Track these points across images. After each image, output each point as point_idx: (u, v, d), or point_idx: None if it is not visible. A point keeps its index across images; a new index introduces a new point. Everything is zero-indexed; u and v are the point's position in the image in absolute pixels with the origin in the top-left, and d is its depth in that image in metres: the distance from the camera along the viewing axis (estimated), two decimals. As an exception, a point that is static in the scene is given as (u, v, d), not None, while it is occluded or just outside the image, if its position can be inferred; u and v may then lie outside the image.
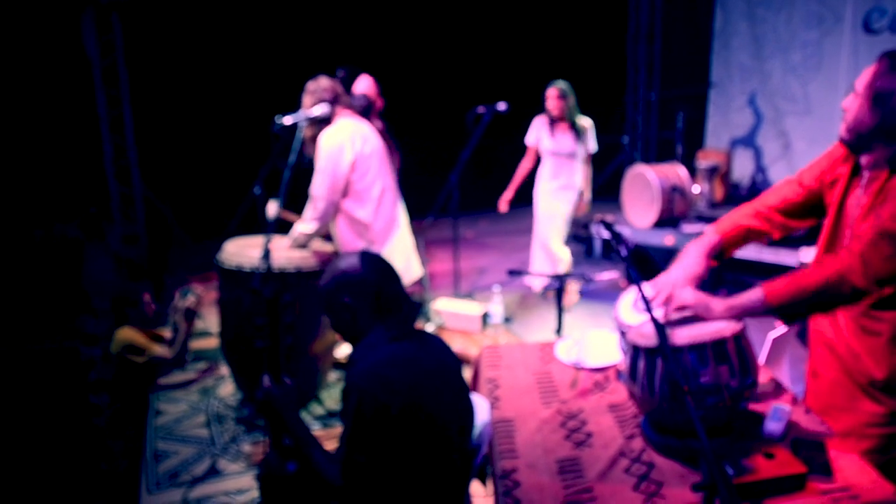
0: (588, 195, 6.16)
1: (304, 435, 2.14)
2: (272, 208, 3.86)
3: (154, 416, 4.26)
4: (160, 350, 3.47)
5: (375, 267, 2.17)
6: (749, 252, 5.97)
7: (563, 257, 6.00)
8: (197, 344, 5.32)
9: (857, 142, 2.11)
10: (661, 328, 1.76)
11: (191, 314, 3.53)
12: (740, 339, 2.01)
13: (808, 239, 5.74)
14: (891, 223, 1.97)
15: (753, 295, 2.07)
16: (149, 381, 3.54)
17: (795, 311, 2.06)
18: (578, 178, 5.98)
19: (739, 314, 2.07)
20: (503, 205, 6.19)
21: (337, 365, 4.65)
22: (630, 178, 7.12)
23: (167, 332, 3.73)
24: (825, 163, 2.31)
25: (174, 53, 7.85)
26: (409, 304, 2.23)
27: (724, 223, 2.44)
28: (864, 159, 2.14)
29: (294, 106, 4.09)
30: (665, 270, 2.30)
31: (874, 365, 2.15)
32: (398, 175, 5.79)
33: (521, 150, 6.11)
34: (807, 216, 2.38)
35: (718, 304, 2.10)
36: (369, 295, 2.12)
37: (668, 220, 6.88)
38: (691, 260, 2.32)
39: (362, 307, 2.12)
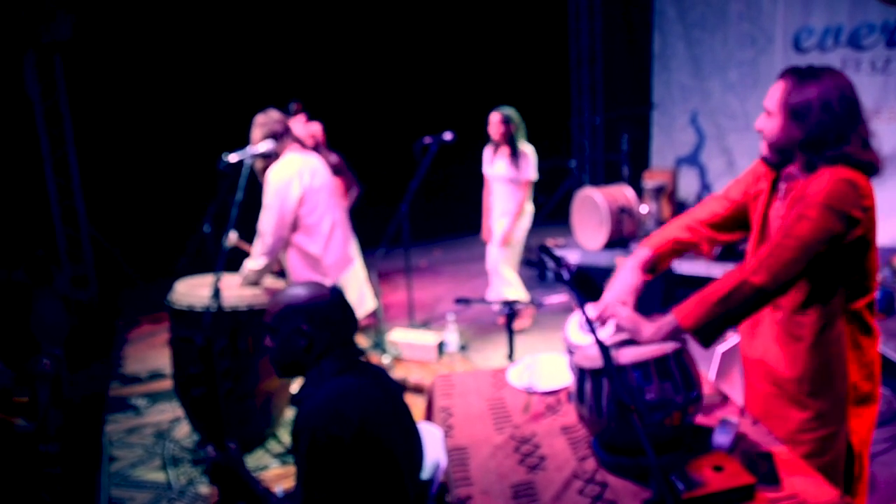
0: (509, 227, 5.90)
1: (262, 493, 2.13)
2: (232, 237, 3.84)
3: (108, 462, 4.18)
4: (20, 422, 3.26)
5: (342, 302, 2.22)
6: (698, 268, 6.07)
7: (510, 280, 6.00)
8: (151, 386, 5.24)
9: (780, 157, 2.19)
10: (605, 349, 1.79)
11: (48, 379, 3.32)
12: (681, 354, 2.06)
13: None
14: (793, 227, 2.03)
15: (669, 319, 2.10)
16: (16, 457, 3.28)
17: (711, 329, 2.07)
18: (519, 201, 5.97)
19: (664, 338, 2.09)
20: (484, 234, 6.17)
21: (293, 400, 4.60)
22: (579, 201, 7.21)
23: (24, 400, 3.49)
24: (749, 178, 2.39)
25: (118, 93, 7.79)
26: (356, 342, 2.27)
27: (655, 238, 2.51)
28: (783, 172, 2.22)
29: (241, 142, 4.07)
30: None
31: (798, 370, 2.21)
32: (356, 204, 5.80)
33: (469, 177, 6.15)
34: (734, 230, 2.47)
35: (648, 327, 2.12)
36: (329, 326, 2.14)
37: (617, 241, 6.97)
38: (626, 274, 2.38)
39: (320, 337, 2.13)
